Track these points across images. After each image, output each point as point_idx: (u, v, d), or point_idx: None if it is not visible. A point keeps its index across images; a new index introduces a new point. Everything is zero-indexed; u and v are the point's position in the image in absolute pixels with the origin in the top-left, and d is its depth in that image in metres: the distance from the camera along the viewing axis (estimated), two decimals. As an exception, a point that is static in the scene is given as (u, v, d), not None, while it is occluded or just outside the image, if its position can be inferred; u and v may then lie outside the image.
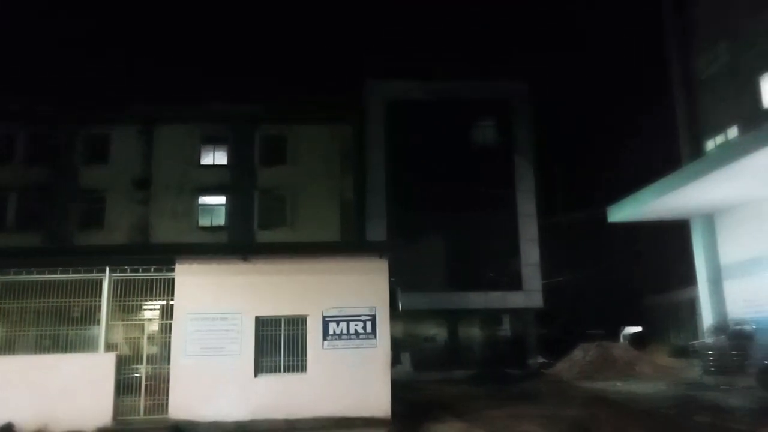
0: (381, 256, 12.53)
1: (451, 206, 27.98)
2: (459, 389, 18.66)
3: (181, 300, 12.13)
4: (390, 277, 12.60)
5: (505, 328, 28.71)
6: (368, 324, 12.09)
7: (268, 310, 12.18)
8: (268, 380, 11.91)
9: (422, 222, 27.26)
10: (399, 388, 12.76)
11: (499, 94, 30.41)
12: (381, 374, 11.94)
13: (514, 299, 28.09)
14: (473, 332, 28.39)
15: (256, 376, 11.90)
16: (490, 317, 28.37)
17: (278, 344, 12.10)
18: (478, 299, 27.53)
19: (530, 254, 28.72)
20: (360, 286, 12.34)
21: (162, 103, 28.36)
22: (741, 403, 12.18)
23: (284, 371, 12.00)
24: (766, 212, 20.20)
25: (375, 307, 12.20)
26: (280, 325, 12.16)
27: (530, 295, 28.25)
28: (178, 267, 12.27)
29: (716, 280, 22.39)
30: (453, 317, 28.07)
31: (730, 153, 18.10)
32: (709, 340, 19.52)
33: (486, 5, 55.46)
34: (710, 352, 18.50)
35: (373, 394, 11.79)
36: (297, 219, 28.01)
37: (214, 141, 29.05)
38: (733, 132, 21.66)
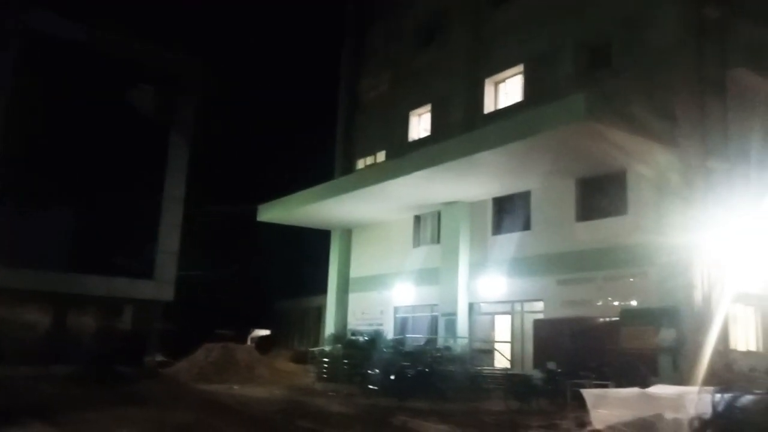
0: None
1: (83, 172, 25.61)
2: (58, 388, 17.30)
3: None
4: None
5: (126, 321, 27.36)
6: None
7: None
8: None
9: (40, 184, 24.20)
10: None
11: (168, 63, 29.10)
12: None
13: (143, 289, 26.99)
14: (86, 322, 26.26)
15: None
16: (110, 306, 26.69)
17: None
18: (98, 284, 25.60)
19: (170, 242, 28.05)
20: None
21: None
22: (341, 410, 13.96)
23: None
24: (386, 236, 23.88)
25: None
26: None
27: (161, 286, 27.53)
28: None
29: (343, 291, 25.48)
30: (63, 302, 25.52)
31: (364, 177, 21.08)
32: (327, 347, 21.98)
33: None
34: (325, 360, 20.83)
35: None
36: None
37: None
38: (381, 156, 25.04)
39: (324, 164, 27.71)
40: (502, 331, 19.44)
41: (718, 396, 8.07)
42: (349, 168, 26.13)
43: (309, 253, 31.48)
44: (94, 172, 26.12)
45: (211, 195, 34.01)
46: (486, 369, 18.21)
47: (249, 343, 32.83)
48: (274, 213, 24.40)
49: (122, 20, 29.25)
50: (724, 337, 14.46)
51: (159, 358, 25.98)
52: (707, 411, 8.10)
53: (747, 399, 7.97)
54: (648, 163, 14.94)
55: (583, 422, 10.91)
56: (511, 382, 15.34)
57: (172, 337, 27.93)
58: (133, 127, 27.66)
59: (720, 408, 7.97)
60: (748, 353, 15.10)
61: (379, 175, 19.99)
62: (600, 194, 16.95)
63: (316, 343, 26.79)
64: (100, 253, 26.03)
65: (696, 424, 8.19)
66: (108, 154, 26.63)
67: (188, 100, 29.69)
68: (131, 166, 27.22)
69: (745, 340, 15.62)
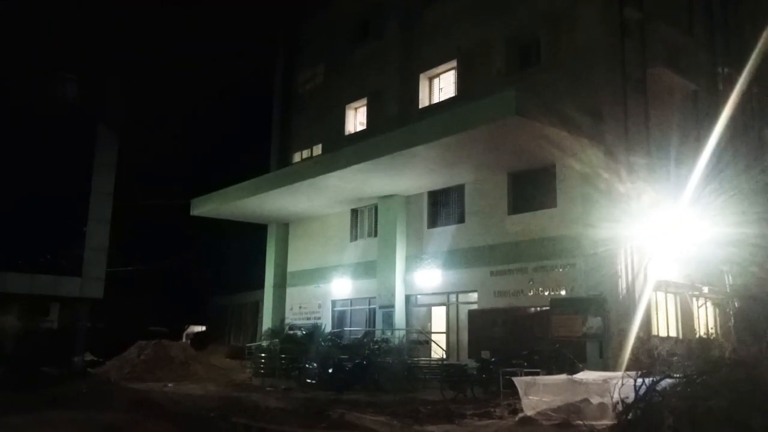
0: None
1: (2, 164, 24.36)
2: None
3: None
4: None
5: (52, 320, 26.30)
6: None
7: None
8: None
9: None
10: None
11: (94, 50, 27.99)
12: None
13: (69, 286, 25.98)
14: (9, 321, 25.08)
15: None
16: (34, 305, 25.58)
17: None
18: (20, 282, 24.48)
19: (98, 237, 27.02)
20: None
21: None
22: (278, 405, 13.83)
23: None
24: (323, 229, 23.80)
25: None
26: None
27: (90, 283, 26.52)
28: None
29: (281, 286, 25.23)
30: (-17, 301, 24.33)
31: (300, 170, 20.92)
32: (264, 342, 21.74)
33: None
34: (263, 355, 20.61)
35: None
36: None
37: None
38: (318, 149, 24.85)
39: (260, 157, 27.29)
40: (438, 322, 19.69)
41: (639, 380, 8.40)
42: (285, 161, 25.84)
43: (245, 248, 31.00)
44: (15, 164, 24.89)
45: (143, 188, 32.98)
46: (422, 360, 18.42)
47: (184, 339, 32.15)
48: (209, 207, 23.89)
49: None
50: (646, 324, 15.12)
51: (88, 357, 25.13)
52: (630, 395, 8.43)
53: (666, 383, 8.33)
54: (576, 157, 15.39)
55: (515, 409, 11.19)
56: (447, 372, 15.56)
57: (102, 336, 27.06)
58: (59, 118, 26.46)
59: (641, 392, 8.30)
60: (668, 339, 15.83)
61: (315, 168, 19.83)
62: (531, 188, 17.34)
63: (254, 339, 26.44)
64: (23, 249, 24.88)
65: (619, 407, 8.51)
66: (31, 145, 25.42)
67: (117, 91, 28.62)
68: (57, 158, 26.05)
69: (665, 327, 16.36)
